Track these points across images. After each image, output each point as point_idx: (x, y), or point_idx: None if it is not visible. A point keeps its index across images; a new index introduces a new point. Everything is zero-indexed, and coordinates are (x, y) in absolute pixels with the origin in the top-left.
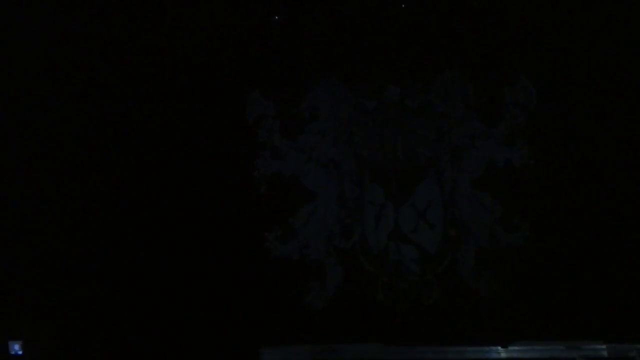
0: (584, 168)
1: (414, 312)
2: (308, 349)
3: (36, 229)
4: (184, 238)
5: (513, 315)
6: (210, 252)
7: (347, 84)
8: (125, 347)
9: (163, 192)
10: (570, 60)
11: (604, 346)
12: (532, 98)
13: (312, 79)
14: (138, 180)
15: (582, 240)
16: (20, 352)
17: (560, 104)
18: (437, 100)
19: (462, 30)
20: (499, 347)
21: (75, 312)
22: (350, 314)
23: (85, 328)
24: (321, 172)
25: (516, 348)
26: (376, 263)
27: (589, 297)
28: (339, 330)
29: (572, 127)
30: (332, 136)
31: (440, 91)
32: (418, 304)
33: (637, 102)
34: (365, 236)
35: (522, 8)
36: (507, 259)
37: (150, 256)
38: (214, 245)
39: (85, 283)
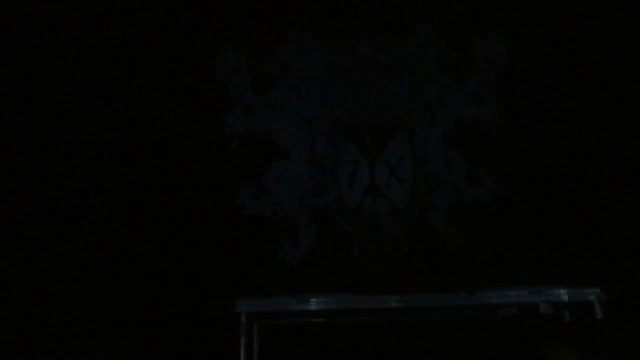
0: (551, 125)
1: (386, 265)
2: (282, 300)
3: None
4: (156, 198)
5: (480, 265)
6: (183, 210)
7: (319, 40)
8: (99, 303)
9: (134, 152)
10: (543, 18)
11: (565, 291)
12: (502, 55)
13: (284, 34)
14: (109, 141)
15: (546, 191)
16: None
17: (530, 61)
18: (409, 57)
19: None
20: (466, 294)
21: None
22: (324, 268)
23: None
24: (294, 129)
25: (482, 294)
26: (352, 219)
27: (551, 245)
28: (312, 284)
29: (541, 85)
30: (304, 93)
31: (413, 47)
32: (390, 257)
33: (606, 62)
34: (341, 194)
35: None
36: (474, 212)
37: (123, 217)
38: (186, 203)
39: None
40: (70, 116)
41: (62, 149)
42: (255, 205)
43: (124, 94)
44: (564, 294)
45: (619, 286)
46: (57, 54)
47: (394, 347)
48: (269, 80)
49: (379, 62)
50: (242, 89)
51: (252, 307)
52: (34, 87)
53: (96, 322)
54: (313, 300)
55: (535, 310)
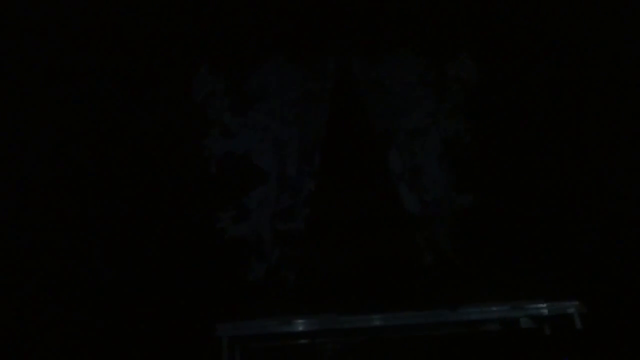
0: (521, 140)
1: (368, 283)
2: (264, 322)
3: None
4: (137, 220)
5: (462, 282)
6: (163, 234)
7: (295, 62)
8: (79, 326)
9: (115, 175)
10: (509, 39)
11: (544, 305)
12: (472, 74)
13: (261, 57)
14: (89, 162)
15: (522, 204)
16: None
17: (498, 81)
18: (388, 79)
19: (412, 9)
20: (448, 310)
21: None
22: (303, 290)
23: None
24: (271, 151)
25: (464, 310)
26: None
27: (530, 261)
28: (293, 307)
29: (508, 103)
30: (280, 116)
31: (392, 69)
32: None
33: (566, 79)
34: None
35: None
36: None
37: (106, 238)
38: (166, 227)
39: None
40: (51, 140)
41: (32, 176)
42: (237, 229)
43: (103, 116)
44: (543, 308)
45: (597, 298)
46: (34, 77)
47: None
48: (247, 101)
49: (357, 83)
50: (221, 111)
51: (234, 330)
52: None
53: (75, 347)
54: (296, 321)
55: (517, 325)
